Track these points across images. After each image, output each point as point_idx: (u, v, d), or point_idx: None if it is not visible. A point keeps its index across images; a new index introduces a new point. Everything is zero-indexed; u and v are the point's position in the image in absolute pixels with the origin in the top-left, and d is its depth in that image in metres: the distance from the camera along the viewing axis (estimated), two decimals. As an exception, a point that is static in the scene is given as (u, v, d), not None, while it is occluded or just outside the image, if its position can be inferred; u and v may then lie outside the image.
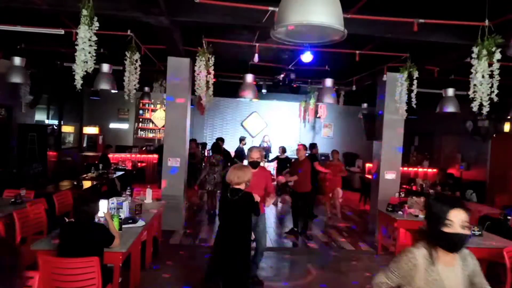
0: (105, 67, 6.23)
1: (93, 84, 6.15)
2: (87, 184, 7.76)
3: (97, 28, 3.87)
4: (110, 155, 10.94)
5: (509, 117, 9.51)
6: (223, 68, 8.98)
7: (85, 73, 3.90)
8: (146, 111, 14.36)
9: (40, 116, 10.98)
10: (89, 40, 3.85)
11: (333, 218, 9.18)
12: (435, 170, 12.28)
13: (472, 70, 4.31)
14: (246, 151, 11.42)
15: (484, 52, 4.18)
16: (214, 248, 4.19)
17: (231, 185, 4.01)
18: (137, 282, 4.58)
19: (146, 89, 11.51)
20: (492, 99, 4.24)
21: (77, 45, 3.84)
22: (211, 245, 6.60)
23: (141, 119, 14.33)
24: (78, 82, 3.90)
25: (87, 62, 3.86)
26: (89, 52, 3.86)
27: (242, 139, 11.53)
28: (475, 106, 4.35)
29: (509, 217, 5.75)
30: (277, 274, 5.53)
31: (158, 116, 14.02)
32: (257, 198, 4.07)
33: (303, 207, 7.62)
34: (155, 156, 12.77)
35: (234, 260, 3.85)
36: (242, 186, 4.00)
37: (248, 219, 4.00)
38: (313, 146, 9.58)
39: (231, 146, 14.63)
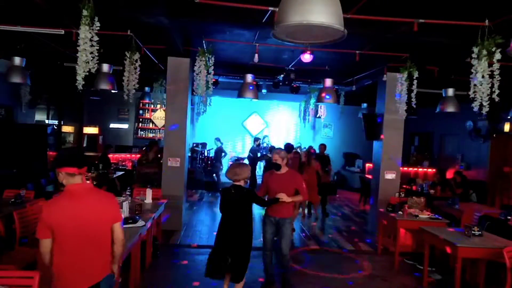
0: (105, 67, 6.24)
1: (93, 84, 6.15)
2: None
3: (98, 28, 3.87)
4: (110, 155, 10.93)
5: (509, 117, 9.51)
6: (223, 68, 9.00)
7: (87, 73, 3.90)
8: (146, 111, 14.35)
9: (40, 116, 10.98)
10: (91, 40, 3.85)
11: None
12: (435, 170, 12.29)
13: (472, 70, 4.32)
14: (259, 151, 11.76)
15: (484, 52, 4.19)
16: (217, 242, 4.24)
17: (233, 182, 4.24)
18: (137, 282, 4.58)
19: (146, 89, 11.53)
20: (493, 99, 4.24)
21: (78, 45, 3.84)
22: (210, 245, 6.63)
23: (141, 119, 14.33)
24: (80, 82, 3.91)
25: (88, 63, 3.86)
26: (91, 53, 3.87)
27: (256, 140, 11.93)
28: (475, 106, 4.36)
29: (509, 217, 5.75)
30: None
31: (158, 116, 14.02)
32: (284, 197, 4.37)
33: None
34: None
35: (236, 252, 4.07)
36: (241, 183, 4.21)
37: (248, 214, 4.23)
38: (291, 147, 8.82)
39: (231, 146, 14.69)
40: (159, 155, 7.82)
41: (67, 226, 2.50)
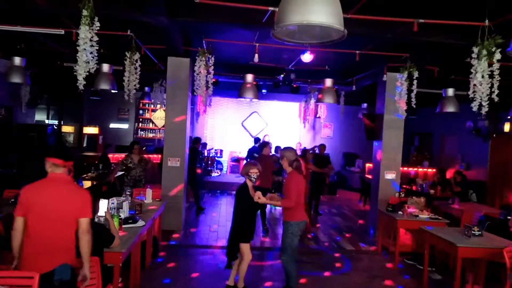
0: (105, 67, 6.23)
1: (93, 84, 6.15)
2: (87, 184, 7.74)
3: (98, 28, 3.87)
4: (110, 155, 10.92)
5: (509, 117, 9.51)
6: (223, 68, 9.00)
7: (87, 73, 3.90)
8: (146, 111, 14.36)
9: (40, 116, 10.99)
10: (90, 40, 3.85)
11: None
12: (435, 170, 12.30)
13: (472, 70, 4.31)
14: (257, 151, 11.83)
15: (484, 52, 4.18)
16: None
17: None
18: (137, 282, 4.58)
19: (146, 89, 11.52)
20: (492, 99, 4.24)
21: (78, 45, 3.84)
22: (210, 245, 6.64)
23: (141, 119, 14.33)
24: (81, 83, 3.91)
25: (88, 63, 3.86)
26: (91, 53, 3.87)
27: (256, 140, 11.99)
28: (475, 106, 4.35)
29: (509, 217, 5.74)
30: (276, 273, 5.51)
31: (158, 116, 14.02)
32: (261, 198, 4.51)
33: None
34: (155, 156, 12.77)
35: (230, 235, 4.65)
36: (245, 178, 4.64)
37: (243, 206, 4.57)
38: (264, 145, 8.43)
39: (230, 146, 14.69)
40: (143, 155, 7.58)
41: (37, 207, 2.82)
